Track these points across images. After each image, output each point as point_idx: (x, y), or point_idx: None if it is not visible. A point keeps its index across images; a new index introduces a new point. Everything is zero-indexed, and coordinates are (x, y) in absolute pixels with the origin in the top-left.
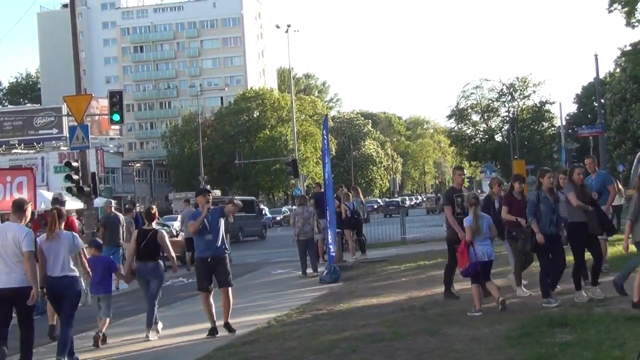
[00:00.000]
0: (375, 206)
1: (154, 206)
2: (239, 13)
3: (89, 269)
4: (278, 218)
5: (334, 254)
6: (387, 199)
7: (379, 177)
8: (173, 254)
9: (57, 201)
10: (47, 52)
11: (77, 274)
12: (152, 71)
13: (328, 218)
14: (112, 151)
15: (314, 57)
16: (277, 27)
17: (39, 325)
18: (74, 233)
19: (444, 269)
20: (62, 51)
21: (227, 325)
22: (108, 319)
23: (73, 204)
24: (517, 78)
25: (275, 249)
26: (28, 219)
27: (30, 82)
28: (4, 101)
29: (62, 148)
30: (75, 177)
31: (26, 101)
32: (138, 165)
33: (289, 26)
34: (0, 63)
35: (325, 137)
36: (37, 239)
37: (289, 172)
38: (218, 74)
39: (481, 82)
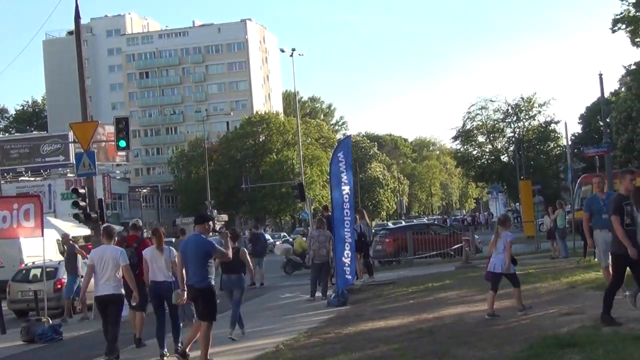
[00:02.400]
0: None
1: (236, 229)
2: (244, 38)
3: (182, 274)
4: (278, 243)
5: (350, 277)
6: (446, 217)
7: (385, 200)
8: (252, 268)
9: (136, 226)
10: (53, 79)
11: (173, 279)
12: (157, 97)
13: (347, 241)
14: (118, 177)
15: (319, 80)
16: (282, 51)
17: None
18: (170, 247)
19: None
20: (68, 78)
21: None
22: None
23: (80, 230)
24: (522, 98)
25: (279, 272)
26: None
27: (37, 110)
28: (10, 129)
29: (68, 175)
30: (82, 203)
31: (32, 129)
32: (145, 191)
33: (293, 50)
34: (7, 91)
35: (341, 158)
36: (144, 252)
37: (296, 196)
38: (224, 99)
39: (486, 103)
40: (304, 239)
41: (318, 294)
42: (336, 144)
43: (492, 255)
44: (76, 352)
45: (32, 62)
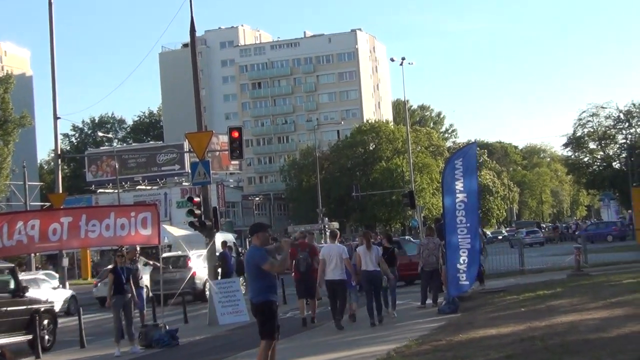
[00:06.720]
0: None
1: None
2: (354, 47)
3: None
4: None
5: (467, 283)
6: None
7: (495, 207)
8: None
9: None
10: (169, 90)
11: (380, 269)
12: (269, 107)
13: (464, 247)
14: (232, 186)
15: (429, 89)
16: (392, 60)
17: None
18: (377, 247)
19: None
20: (183, 89)
21: None
22: (355, 304)
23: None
24: (634, 104)
25: None
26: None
27: (153, 120)
28: (128, 139)
29: (184, 184)
30: (197, 211)
31: (149, 139)
32: (257, 199)
33: (403, 59)
34: (125, 102)
35: (458, 165)
36: (357, 249)
37: (406, 204)
38: (334, 108)
39: (597, 110)
40: None
41: (429, 301)
42: (446, 152)
43: None
44: (192, 356)
45: (148, 74)
